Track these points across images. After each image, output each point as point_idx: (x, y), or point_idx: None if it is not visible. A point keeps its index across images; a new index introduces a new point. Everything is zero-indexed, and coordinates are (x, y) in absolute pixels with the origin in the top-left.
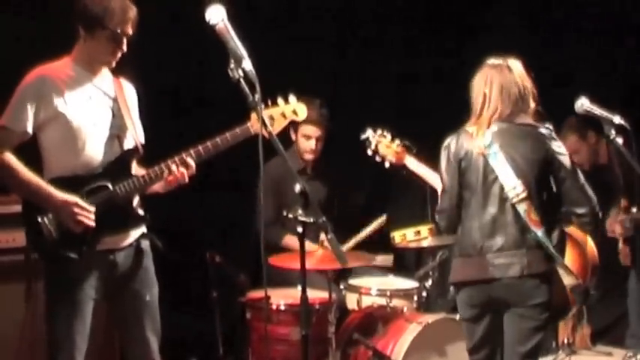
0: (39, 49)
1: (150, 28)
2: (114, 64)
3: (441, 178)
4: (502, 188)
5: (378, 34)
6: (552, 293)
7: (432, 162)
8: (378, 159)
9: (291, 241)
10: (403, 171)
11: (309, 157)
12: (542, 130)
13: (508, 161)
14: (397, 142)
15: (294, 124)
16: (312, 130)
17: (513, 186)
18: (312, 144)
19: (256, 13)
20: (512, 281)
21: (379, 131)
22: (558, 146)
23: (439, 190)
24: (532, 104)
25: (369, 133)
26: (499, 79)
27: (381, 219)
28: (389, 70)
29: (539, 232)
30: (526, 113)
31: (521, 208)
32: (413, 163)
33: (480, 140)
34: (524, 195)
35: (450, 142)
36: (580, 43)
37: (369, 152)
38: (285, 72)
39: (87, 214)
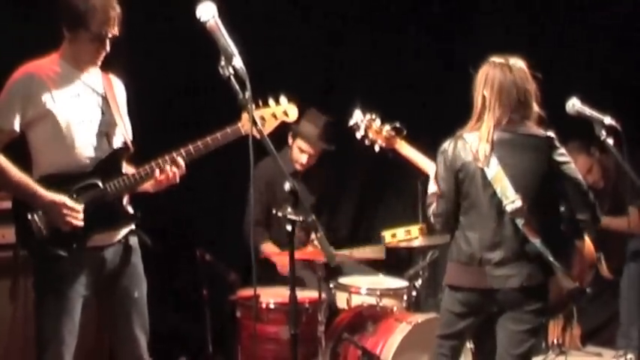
0: (27, 46)
1: (140, 25)
2: (99, 63)
3: (437, 183)
4: (500, 202)
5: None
6: (550, 298)
7: (424, 147)
8: (367, 143)
9: (268, 248)
10: (390, 155)
11: (298, 167)
12: (545, 141)
13: (507, 175)
14: (387, 126)
15: (293, 130)
16: (307, 147)
17: (512, 200)
18: (304, 158)
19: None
20: (511, 291)
21: (368, 115)
22: (561, 155)
23: (431, 176)
24: (535, 108)
25: (357, 117)
26: (499, 80)
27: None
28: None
29: (538, 242)
30: (529, 119)
31: (520, 220)
32: (404, 148)
33: (478, 151)
34: (522, 209)
35: (447, 148)
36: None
37: (358, 136)
38: (279, 69)
39: (75, 214)
